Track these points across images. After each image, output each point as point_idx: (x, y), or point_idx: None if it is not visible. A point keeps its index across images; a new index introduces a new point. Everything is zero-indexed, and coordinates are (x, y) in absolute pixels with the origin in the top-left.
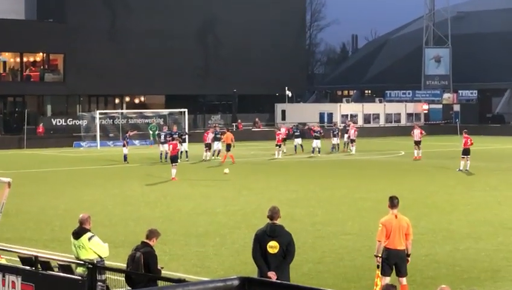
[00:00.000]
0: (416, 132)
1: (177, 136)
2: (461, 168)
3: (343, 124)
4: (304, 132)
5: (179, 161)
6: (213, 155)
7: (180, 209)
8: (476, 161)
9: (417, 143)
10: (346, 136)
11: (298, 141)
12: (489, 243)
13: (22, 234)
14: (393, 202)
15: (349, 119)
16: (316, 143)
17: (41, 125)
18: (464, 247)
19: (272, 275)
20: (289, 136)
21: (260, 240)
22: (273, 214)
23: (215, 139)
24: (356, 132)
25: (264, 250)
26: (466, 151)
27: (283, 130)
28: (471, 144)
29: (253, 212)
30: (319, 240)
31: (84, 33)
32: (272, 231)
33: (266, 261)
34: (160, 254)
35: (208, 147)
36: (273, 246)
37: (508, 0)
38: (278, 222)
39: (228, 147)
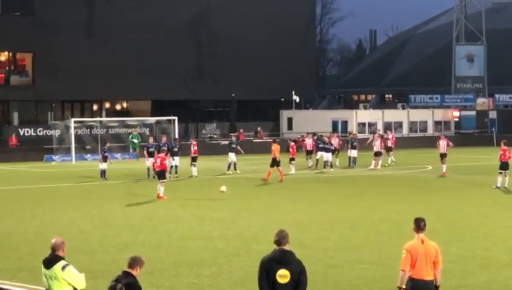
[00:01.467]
0: (442, 143)
1: (166, 148)
2: (498, 185)
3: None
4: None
5: (168, 176)
6: (228, 169)
7: (169, 234)
8: None
9: (443, 156)
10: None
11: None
12: None
13: None
14: (419, 225)
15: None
16: (327, 156)
17: (13, 135)
18: (503, 277)
19: None
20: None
21: (268, 268)
22: (281, 238)
23: (230, 150)
24: (382, 144)
25: (272, 280)
26: (504, 166)
27: (309, 141)
28: (510, 157)
29: (254, 237)
30: (332, 270)
31: (56, 28)
32: (282, 258)
33: None
34: (146, 286)
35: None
36: (283, 275)
37: None
38: (287, 247)
39: (275, 161)
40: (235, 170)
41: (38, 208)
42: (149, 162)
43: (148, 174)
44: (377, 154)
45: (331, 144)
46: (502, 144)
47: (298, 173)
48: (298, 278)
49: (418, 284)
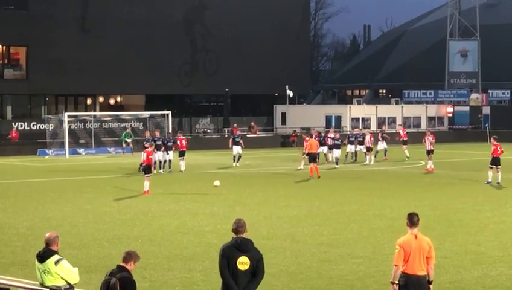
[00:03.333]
0: (428, 140)
1: (160, 142)
2: (490, 181)
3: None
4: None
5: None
6: (233, 161)
7: (162, 228)
8: (509, 173)
9: (429, 152)
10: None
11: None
12: None
13: None
14: (412, 220)
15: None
16: (336, 153)
17: (14, 129)
18: (496, 273)
19: None
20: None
21: (228, 255)
22: (239, 227)
23: (234, 143)
24: (372, 139)
25: (233, 266)
26: (496, 161)
27: (331, 135)
28: (502, 152)
29: (248, 232)
30: (326, 264)
31: (50, 22)
32: (243, 245)
33: (234, 279)
34: (139, 280)
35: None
36: (243, 262)
37: None
38: (244, 235)
39: (313, 157)
40: (237, 162)
41: (32, 202)
42: (157, 155)
43: (154, 168)
44: (369, 149)
45: (341, 140)
46: (492, 139)
47: (293, 169)
48: (257, 265)
49: (411, 279)
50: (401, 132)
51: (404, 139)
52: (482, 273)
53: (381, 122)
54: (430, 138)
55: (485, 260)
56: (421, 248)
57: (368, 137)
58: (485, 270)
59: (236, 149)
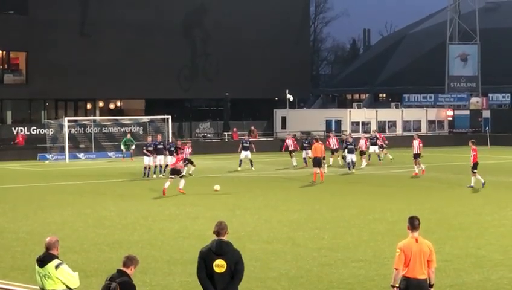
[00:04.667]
0: (416, 144)
1: (161, 146)
2: (472, 185)
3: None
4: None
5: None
6: (239, 166)
7: (163, 233)
8: (509, 176)
9: (416, 156)
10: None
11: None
12: None
13: None
14: (413, 224)
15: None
16: (351, 157)
17: (21, 134)
18: (496, 276)
19: None
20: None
21: (205, 258)
22: (220, 229)
23: (243, 148)
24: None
25: (209, 269)
26: (475, 166)
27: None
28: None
29: (249, 236)
30: (326, 268)
31: (50, 27)
32: (219, 248)
33: (212, 281)
34: (140, 285)
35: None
36: (219, 265)
37: None
38: (225, 238)
39: (318, 161)
40: (252, 166)
41: (31, 207)
42: (150, 161)
43: (148, 174)
44: (362, 153)
45: (355, 144)
46: (470, 143)
47: (293, 172)
48: (235, 267)
49: (412, 283)
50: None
51: (380, 144)
52: (483, 277)
53: (374, 127)
54: (417, 141)
55: (485, 263)
56: (422, 252)
57: (363, 141)
58: (486, 274)
59: (245, 154)
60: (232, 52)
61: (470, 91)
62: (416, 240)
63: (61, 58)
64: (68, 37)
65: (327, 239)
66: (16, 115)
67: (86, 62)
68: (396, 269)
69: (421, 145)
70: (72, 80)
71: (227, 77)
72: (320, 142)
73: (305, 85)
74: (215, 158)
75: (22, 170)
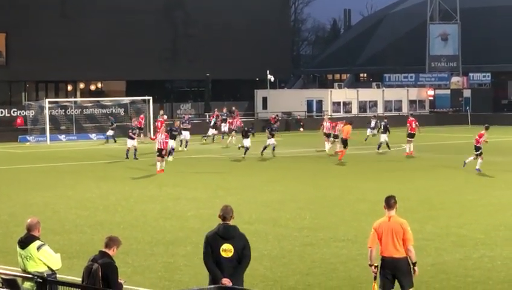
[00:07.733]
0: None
1: (176, 133)
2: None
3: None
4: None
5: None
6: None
7: (144, 214)
8: (490, 155)
9: (411, 136)
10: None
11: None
12: (506, 250)
13: None
14: (389, 203)
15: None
16: (384, 137)
17: (21, 116)
18: (477, 255)
19: (227, 282)
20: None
21: (212, 243)
22: (226, 214)
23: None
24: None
25: (216, 254)
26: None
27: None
28: (417, 126)
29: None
30: (308, 248)
31: (30, 8)
32: (225, 233)
33: (219, 266)
34: (122, 266)
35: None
36: (226, 250)
37: None
38: (231, 222)
39: (346, 142)
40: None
41: (13, 189)
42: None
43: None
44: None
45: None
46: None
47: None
48: (242, 252)
49: (387, 261)
50: (327, 123)
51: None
52: (464, 256)
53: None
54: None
55: (466, 242)
56: (394, 230)
57: (327, 124)
58: (467, 253)
59: (224, 127)
60: (212, 33)
61: (450, 71)
62: (389, 219)
63: (41, 39)
64: (48, 18)
65: (309, 219)
66: None
67: (66, 43)
68: (369, 247)
69: (416, 124)
70: (53, 61)
71: (208, 58)
72: (350, 123)
73: (286, 65)
74: (197, 139)
75: (3, 151)
